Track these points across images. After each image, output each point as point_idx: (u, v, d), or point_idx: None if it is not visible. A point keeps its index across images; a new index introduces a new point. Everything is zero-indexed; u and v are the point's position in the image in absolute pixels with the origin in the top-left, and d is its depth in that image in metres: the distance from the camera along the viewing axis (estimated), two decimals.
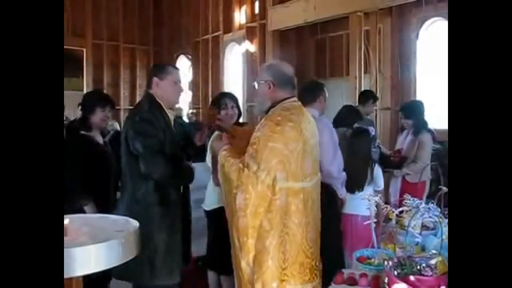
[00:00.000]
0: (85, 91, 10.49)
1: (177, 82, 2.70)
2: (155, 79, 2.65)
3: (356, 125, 4.06)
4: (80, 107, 3.21)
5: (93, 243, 1.39)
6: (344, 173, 3.29)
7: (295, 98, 2.34)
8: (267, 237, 2.13)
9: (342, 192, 3.31)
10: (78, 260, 1.33)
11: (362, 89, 6.25)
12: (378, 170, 3.61)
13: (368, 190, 3.46)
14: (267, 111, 2.30)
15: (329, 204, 2.95)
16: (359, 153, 3.51)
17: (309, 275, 2.20)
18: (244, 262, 2.19)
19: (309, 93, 3.34)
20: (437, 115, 5.66)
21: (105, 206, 2.84)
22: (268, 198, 2.13)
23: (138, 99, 11.23)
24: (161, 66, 2.81)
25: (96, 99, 3.20)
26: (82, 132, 3.04)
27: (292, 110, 2.23)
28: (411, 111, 4.42)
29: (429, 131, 4.57)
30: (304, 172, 2.20)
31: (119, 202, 2.74)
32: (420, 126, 4.27)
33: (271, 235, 2.13)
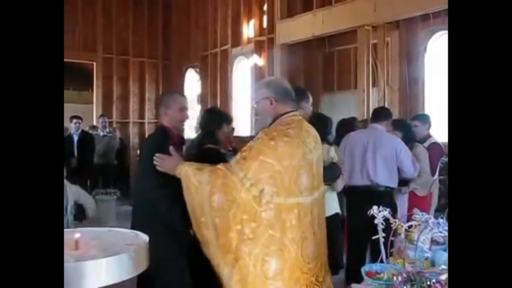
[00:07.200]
0: (94, 104, 10.63)
1: None
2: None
3: None
4: (203, 123, 3.25)
5: (104, 257, 1.39)
6: None
7: (296, 112, 2.35)
8: (250, 244, 2.12)
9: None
10: (89, 274, 1.33)
11: (371, 102, 6.25)
12: None
13: None
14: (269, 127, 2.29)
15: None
16: None
17: None
18: (223, 262, 2.18)
19: (386, 115, 4.13)
20: (445, 128, 5.64)
21: None
22: (254, 209, 2.12)
23: (147, 112, 11.35)
24: None
25: (221, 116, 3.22)
26: (210, 146, 2.98)
27: (291, 124, 2.23)
28: (401, 124, 4.50)
29: (436, 144, 4.59)
30: (299, 187, 2.16)
31: None
32: (408, 138, 4.31)
33: (253, 244, 2.12)
